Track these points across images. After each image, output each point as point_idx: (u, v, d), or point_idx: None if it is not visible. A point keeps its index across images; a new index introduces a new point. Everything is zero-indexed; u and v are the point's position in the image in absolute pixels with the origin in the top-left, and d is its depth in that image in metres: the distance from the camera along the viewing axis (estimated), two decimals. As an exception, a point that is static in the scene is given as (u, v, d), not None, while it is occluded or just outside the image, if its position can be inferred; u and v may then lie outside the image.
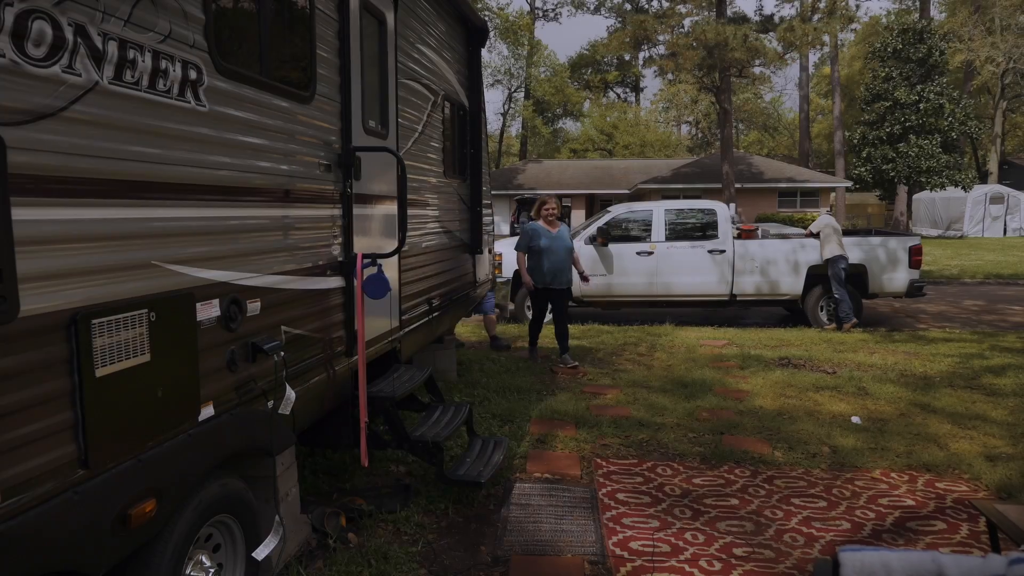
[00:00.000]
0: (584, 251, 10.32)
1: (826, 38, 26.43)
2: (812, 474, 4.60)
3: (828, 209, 10.47)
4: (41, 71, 1.85)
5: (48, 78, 1.87)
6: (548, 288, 7.59)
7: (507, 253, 10.88)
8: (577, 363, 7.61)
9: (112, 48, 2.08)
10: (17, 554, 1.80)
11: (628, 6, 39.45)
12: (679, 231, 10.73)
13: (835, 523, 3.90)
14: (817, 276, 10.35)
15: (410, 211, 4.69)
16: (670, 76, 27.29)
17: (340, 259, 3.71)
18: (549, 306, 7.80)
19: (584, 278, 8.02)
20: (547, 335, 9.61)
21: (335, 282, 3.66)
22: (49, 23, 1.86)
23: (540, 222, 7.69)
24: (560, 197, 35.96)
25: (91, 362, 2.03)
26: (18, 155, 1.79)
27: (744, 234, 10.90)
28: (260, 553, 2.91)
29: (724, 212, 10.67)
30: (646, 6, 30.98)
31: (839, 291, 9.87)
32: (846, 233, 10.76)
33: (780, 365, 7.72)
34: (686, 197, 29.19)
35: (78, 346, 1.99)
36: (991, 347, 8.54)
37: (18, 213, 1.80)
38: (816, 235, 10.21)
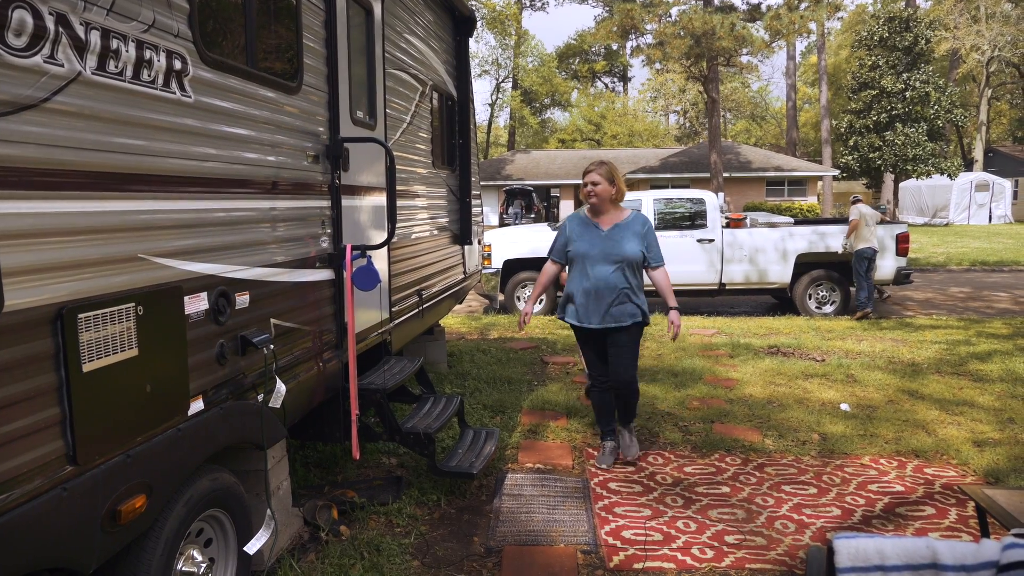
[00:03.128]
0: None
1: (813, 26, 26.44)
2: (802, 461, 4.63)
3: (858, 197, 10.43)
4: (22, 61, 1.82)
5: (29, 68, 1.84)
6: (587, 328, 4.51)
7: (496, 244, 10.87)
8: (640, 454, 4.73)
9: (95, 38, 2.04)
10: (6, 552, 1.78)
11: (615, -5, 39.33)
12: (668, 220, 10.74)
13: (826, 509, 3.92)
14: (805, 264, 10.41)
15: (399, 202, 4.66)
16: (658, 65, 27.24)
17: (329, 251, 3.69)
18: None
19: (674, 328, 4.49)
20: (539, 324, 9.59)
21: (325, 274, 3.63)
22: (30, 12, 1.82)
23: (583, 209, 4.70)
24: (548, 188, 35.99)
25: (78, 357, 2.00)
26: (0, 147, 1.76)
27: (733, 223, 10.94)
28: (252, 547, 2.90)
29: (713, 201, 10.69)
30: (633, -5, 30.86)
31: (858, 281, 9.90)
32: (835, 221, 10.87)
33: (769, 353, 7.75)
34: (674, 187, 29.30)
35: (64, 341, 1.96)
36: (977, 333, 8.61)
37: (1, 206, 1.77)
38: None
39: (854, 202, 10.23)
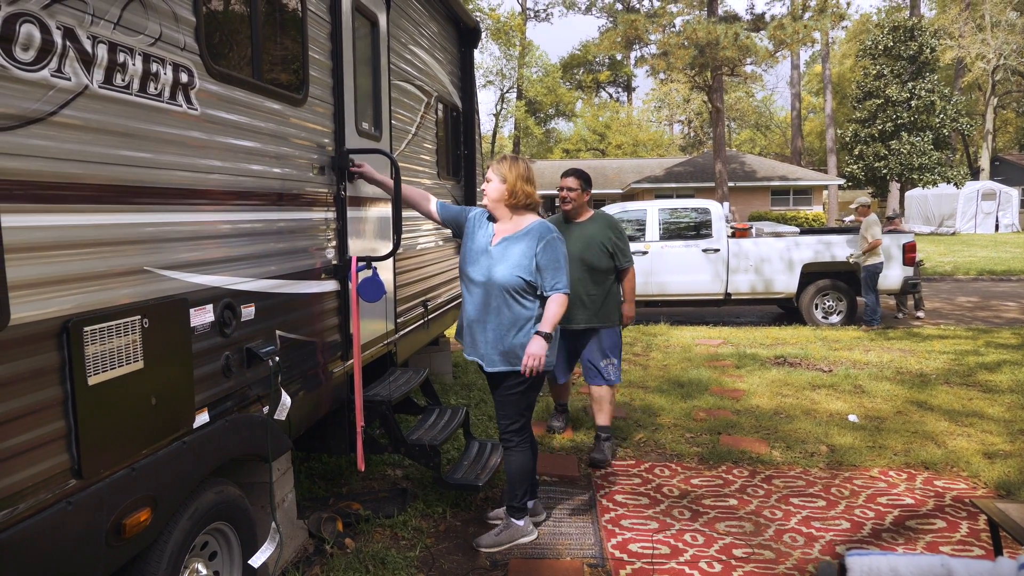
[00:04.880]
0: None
1: (817, 36, 26.47)
2: (810, 473, 4.59)
3: (865, 205, 10.41)
4: (30, 75, 1.82)
5: (37, 82, 1.84)
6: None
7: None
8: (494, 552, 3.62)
9: (102, 51, 2.05)
10: (10, 567, 1.77)
11: (619, 6, 39.47)
12: (673, 231, 10.73)
13: (834, 523, 3.89)
14: (811, 274, 10.37)
15: (404, 213, 4.65)
16: (662, 75, 27.34)
17: (335, 262, 3.68)
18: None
19: (528, 360, 3.38)
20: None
21: (330, 286, 3.63)
22: (37, 26, 1.83)
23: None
24: (553, 198, 35.99)
25: (83, 370, 1.99)
26: (7, 161, 1.76)
27: (738, 233, 10.91)
28: (257, 560, 2.88)
29: (718, 211, 10.67)
30: (637, 6, 31.01)
31: (875, 294, 9.83)
32: (841, 231, 10.86)
33: (776, 364, 7.71)
34: (679, 196, 29.29)
35: (70, 354, 1.96)
36: (986, 343, 8.55)
37: (8, 220, 1.76)
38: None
39: (866, 211, 10.00)
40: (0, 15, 1.73)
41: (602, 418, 4.87)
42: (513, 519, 3.70)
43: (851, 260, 9.99)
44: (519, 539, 3.67)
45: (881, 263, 9.72)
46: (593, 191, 5.35)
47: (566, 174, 4.87)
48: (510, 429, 3.66)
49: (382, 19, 4.38)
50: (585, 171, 4.93)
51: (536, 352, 3.39)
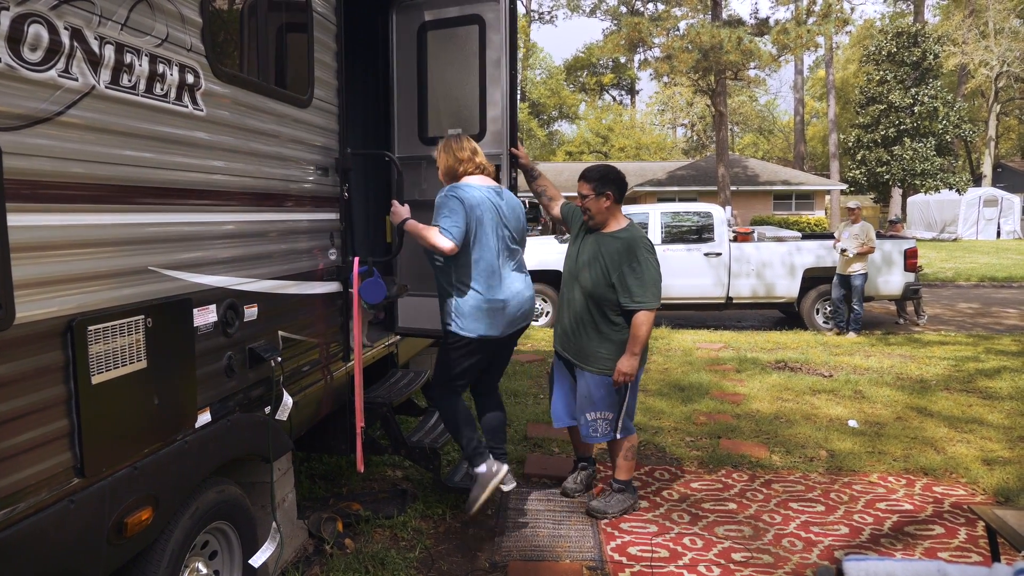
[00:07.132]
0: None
1: (821, 41, 26.50)
2: (810, 478, 4.59)
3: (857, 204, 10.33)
4: (37, 76, 1.83)
5: (44, 83, 1.86)
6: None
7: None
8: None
9: (109, 52, 2.06)
10: (12, 565, 1.78)
11: (623, 9, 39.53)
12: (675, 234, 10.73)
13: (833, 527, 3.89)
14: (813, 279, 10.37)
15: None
16: (665, 79, 27.33)
17: (337, 263, 3.69)
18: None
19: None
20: (545, 337, 9.56)
21: (332, 286, 3.64)
22: (45, 27, 1.84)
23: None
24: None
25: (87, 369, 2.01)
26: (14, 160, 1.78)
27: (740, 237, 10.91)
28: (257, 560, 2.89)
29: (720, 215, 10.67)
30: (641, 9, 31.05)
31: (859, 303, 9.85)
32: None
33: (776, 368, 7.71)
34: (681, 200, 29.28)
35: (74, 353, 1.97)
36: (986, 350, 8.55)
37: (14, 219, 1.78)
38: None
39: (857, 215, 9.95)
40: (8, 15, 1.74)
41: (615, 471, 4.12)
42: (476, 469, 3.74)
43: (844, 252, 9.83)
44: (491, 482, 3.69)
45: (867, 272, 9.78)
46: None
47: (579, 178, 3.90)
48: (431, 383, 3.89)
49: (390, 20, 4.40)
50: (601, 167, 3.86)
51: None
